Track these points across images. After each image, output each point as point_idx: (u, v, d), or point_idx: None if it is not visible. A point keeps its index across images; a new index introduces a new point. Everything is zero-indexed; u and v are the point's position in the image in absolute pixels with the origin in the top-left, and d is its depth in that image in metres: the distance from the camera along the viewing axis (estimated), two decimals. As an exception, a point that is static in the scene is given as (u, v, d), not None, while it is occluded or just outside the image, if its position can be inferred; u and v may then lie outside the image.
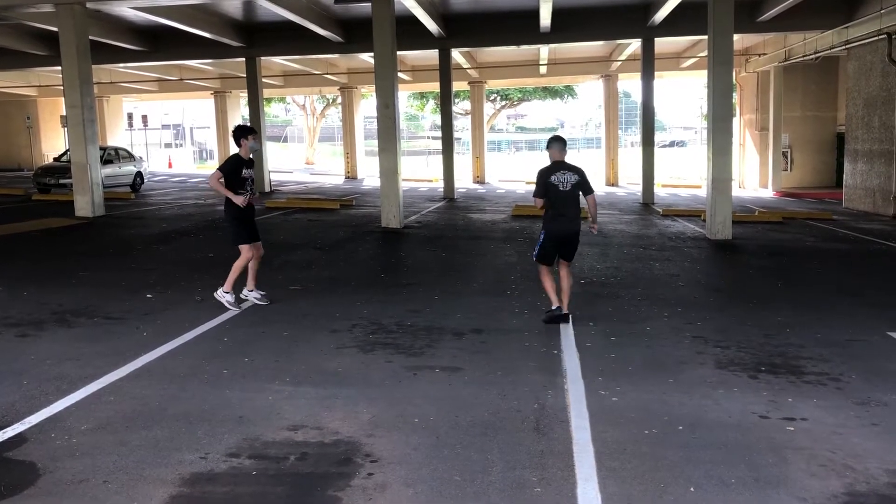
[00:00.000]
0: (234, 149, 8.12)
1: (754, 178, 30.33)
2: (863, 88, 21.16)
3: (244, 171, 7.95)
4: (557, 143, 7.58)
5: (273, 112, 65.10)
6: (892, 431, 4.80)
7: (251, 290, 8.31)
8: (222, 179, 7.87)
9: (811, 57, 24.56)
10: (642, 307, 8.37)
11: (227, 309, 7.96)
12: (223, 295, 8.08)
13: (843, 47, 21.78)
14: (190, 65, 32.36)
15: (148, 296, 8.61)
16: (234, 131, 8.02)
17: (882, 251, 13.44)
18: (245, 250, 8.06)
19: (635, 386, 5.64)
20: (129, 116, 45.38)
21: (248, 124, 8.08)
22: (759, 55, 28.76)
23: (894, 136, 19.21)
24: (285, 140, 71.52)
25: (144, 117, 48.13)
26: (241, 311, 7.98)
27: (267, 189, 26.33)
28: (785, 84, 28.01)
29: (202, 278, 9.73)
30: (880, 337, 7.12)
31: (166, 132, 69.61)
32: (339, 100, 42.84)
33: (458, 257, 12.18)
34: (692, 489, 4.01)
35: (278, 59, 29.07)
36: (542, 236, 7.49)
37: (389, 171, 15.88)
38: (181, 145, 69.73)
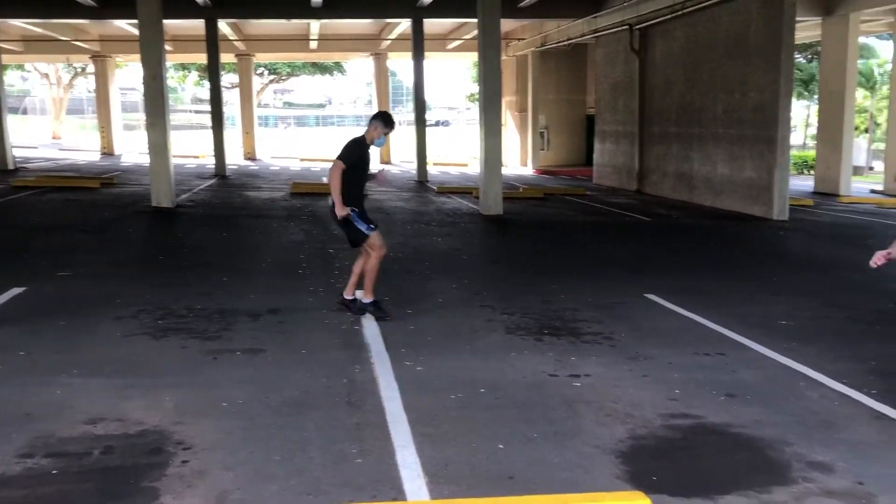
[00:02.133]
0: None
1: (515, 157, 32.26)
2: (609, 74, 23.23)
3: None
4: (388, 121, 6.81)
5: (8, 80, 58.44)
6: (660, 381, 5.46)
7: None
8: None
9: (564, 43, 26.52)
10: (431, 280, 8.71)
11: (-12, 299, 7.18)
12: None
13: (592, 36, 23.75)
14: None
15: None
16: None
17: (631, 222, 14.97)
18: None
19: (437, 355, 5.91)
20: None
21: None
22: (519, 40, 30.55)
23: (635, 119, 21.32)
24: (24, 112, 64.63)
25: None
26: (5, 302, 7.25)
27: (10, 166, 23.74)
28: (542, 68, 29.99)
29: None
30: (640, 299, 7.99)
31: None
32: (91, 69, 39.49)
33: (242, 237, 11.87)
34: (501, 446, 4.31)
35: (17, 22, 26.18)
36: (356, 216, 6.66)
37: (159, 146, 15.01)
38: None
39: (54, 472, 3.85)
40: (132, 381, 5.18)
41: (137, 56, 34.15)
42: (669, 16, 18.54)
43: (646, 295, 8.14)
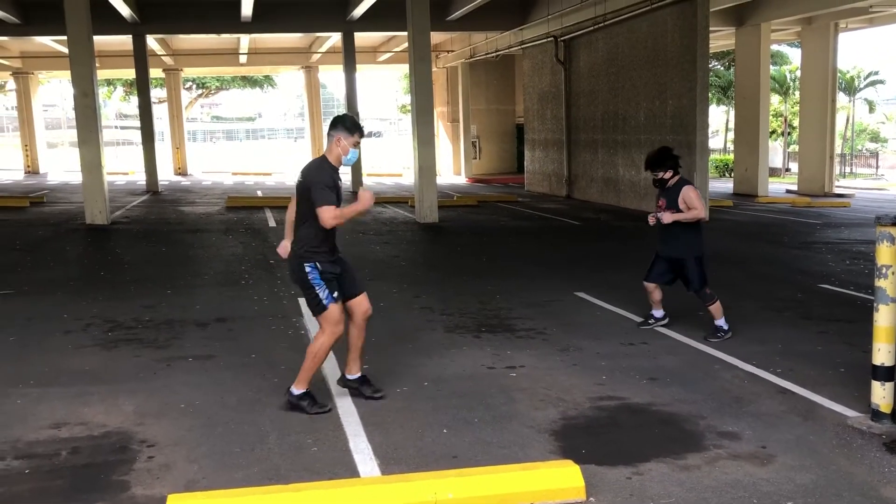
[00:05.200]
0: None
1: (449, 167, 32.81)
2: (536, 84, 23.96)
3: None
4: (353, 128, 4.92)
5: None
6: (588, 368, 5.93)
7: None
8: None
9: (493, 55, 27.20)
10: (373, 286, 9.00)
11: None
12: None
13: (520, 47, 24.46)
14: None
15: None
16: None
17: (562, 226, 15.58)
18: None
19: (382, 353, 6.25)
20: None
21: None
22: (448, 52, 31.14)
23: (563, 127, 22.07)
24: (-60, 131, 62.35)
25: None
26: (-50, 319, 7.31)
27: (-68, 187, 23.11)
28: (471, 79, 30.65)
29: None
30: (570, 296, 8.51)
31: None
32: (10, 87, 38.51)
33: (181, 251, 11.99)
34: (445, 430, 4.70)
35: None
36: (317, 276, 4.85)
37: (92, 164, 14.96)
38: None
39: (27, 471, 4.08)
40: (90, 389, 5.39)
41: (61, 72, 33.83)
42: (592, 28, 19.32)
43: (575, 293, 8.65)
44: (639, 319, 7.39)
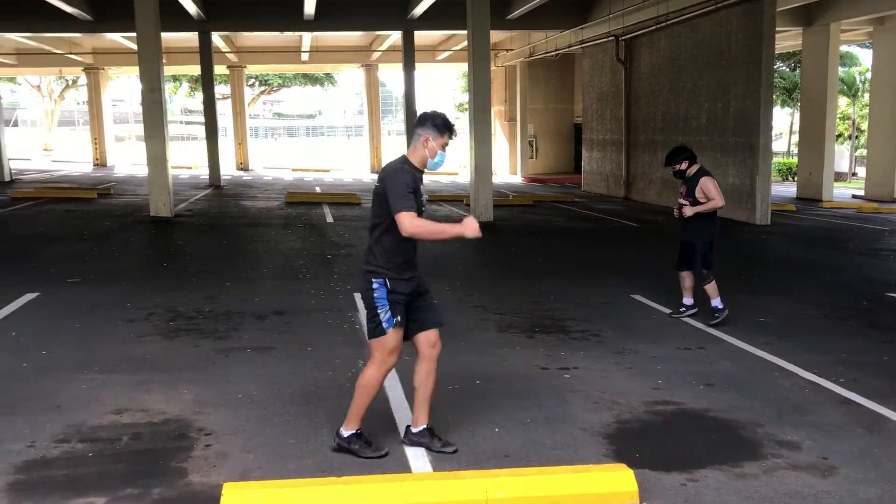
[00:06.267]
0: None
1: (505, 166, 32.72)
2: (596, 84, 23.72)
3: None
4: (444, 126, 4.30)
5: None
6: (643, 372, 5.85)
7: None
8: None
9: (552, 54, 27.04)
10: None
11: (4, 306, 7.51)
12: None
13: (579, 46, 24.25)
14: None
15: None
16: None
17: (619, 228, 15.39)
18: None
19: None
20: None
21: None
22: (507, 50, 31.06)
23: (622, 127, 21.81)
24: (16, 124, 64.81)
25: None
26: (22, 306, 7.59)
27: (6, 178, 24.01)
28: (530, 78, 30.50)
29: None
30: (627, 299, 8.41)
31: None
32: (81, 81, 39.78)
33: (241, 244, 12.22)
34: (496, 429, 4.69)
35: (13, 36, 26.49)
36: (383, 295, 4.22)
37: (158, 157, 15.34)
38: None
39: (90, 454, 4.21)
40: (150, 377, 5.54)
41: (130, 68, 34.75)
42: (654, 27, 19.05)
43: (631, 295, 8.55)
44: (697, 325, 7.28)
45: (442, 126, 4.27)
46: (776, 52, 21.26)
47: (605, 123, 23.22)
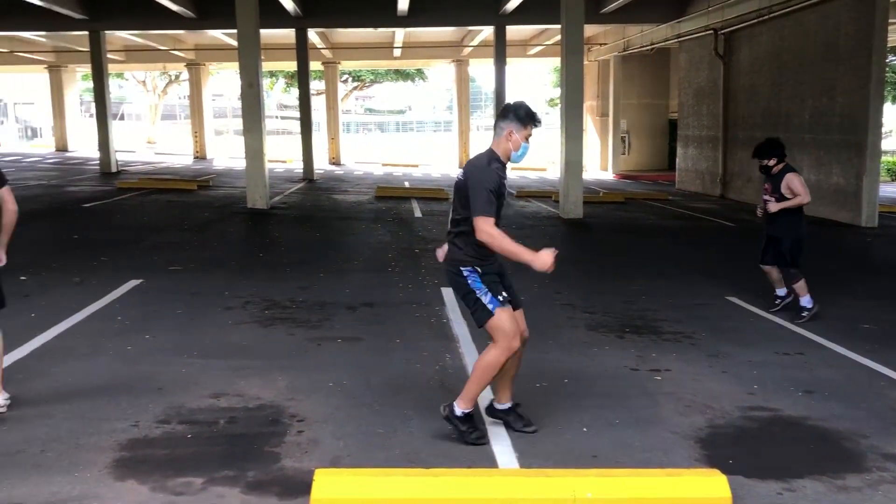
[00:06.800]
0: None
1: (595, 162, 32.24)
2: (693, 79, 23.10)
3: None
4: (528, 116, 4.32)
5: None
6: (738, 377, 5.67)
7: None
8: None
9: (647, 48, 26.46)
10: (514, 280, 9.03)
11: (112, 290, 7.90)
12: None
13: (676, 40, 23.65)
14: (22, 36, 30.18)
15: (22, 278, 8.34)
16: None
17: (714, 227, 14.96)
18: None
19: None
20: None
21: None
22: (601, 45, 30.57)
23: (719, 123, 21.17)
24: (122, 118, 68.05)
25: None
26: (127, 291, 7.96)
27: (114, 169, 25.24)
28: (623, 73, 29.93)
29: (73, 260, 9.56)
30: (721, 301, 8.17)
31: (-20, 108, 64.12)
32: (182, 76, 41.32)
33: (333, 236, 12.47)
34: (584, 429, 4.64)
35: (122, 34, 27.77)
36: (477, 279, 4.31)
37: (255, 151, 15.81)
38: (2, 122, 64.59)
39: (189, 436, 4.38)
40: (246, 363, 5.72)
41: (229, 64, 35.89)
42: (755, 20, 18.39)
43: (727, 297, 8.30)
44: (796, 329, 7.02)
45: (525, 117, 4.27)
46: (888, 46, 20.22)
47: (701, 119, 22.59)
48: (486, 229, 4.11)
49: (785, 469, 4.12)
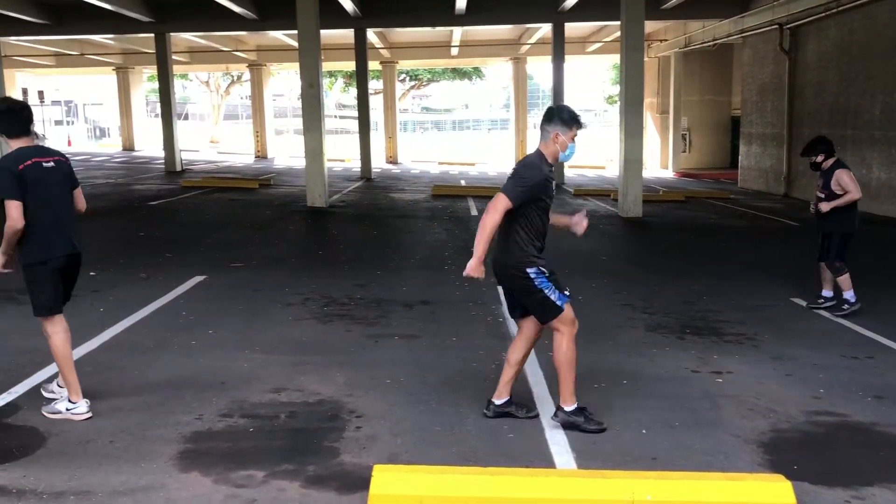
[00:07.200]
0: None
1: (655, 160, 31.76)
2: (757, 75, 22.56)
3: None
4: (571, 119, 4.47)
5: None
6: (804, 380, 5.53)
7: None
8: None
9: (709, 44, 25.94)
10: (571, 279, 8.94)
11: (177, 286, 8.10)
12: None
13: (739, 36, 23.14)
14: (91, 39, 31.18)
15: (91, 273, 8.61)
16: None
17: (778, 227, 14.60)
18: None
19: (580, 347, 6.09)
20: (24, 92, 43.20)
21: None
22: (661, 41, 30.08)
23: (785, 121, 20.63)
24: (186, 118, 69.71)
25: (41, 93, 45.97)
26: (191, 287, 8.16)
27: (178, 168, 25.88)
28: (684, 69, 29.40)
29: (139, 256, 9.84)
30: (785, 302, 7.96)
31: (55, 108, 66.45)
32: (244, 77, 42.08)
33: (391, 235, 12.57)
34: (644, 431, 4.58)
35: (187, 36, 28.46)
36: (543, 279, 4.45)
37: (315, 150, 16.03)
38: (72, 122, 66.85)
39: (251, 429, 4.47)
40: (306, 359, 5.81)
41: (289, 64, 36.47)
42: (823, 14, 17.87)
43: (791, 299, 8.09)
44: (865, 332, 6.80)
45: (569, 120, 4.44)
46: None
47: (765, 116, 22.06)
48: (495, 207, 4.28)
49: (853, 476, 4.00)
